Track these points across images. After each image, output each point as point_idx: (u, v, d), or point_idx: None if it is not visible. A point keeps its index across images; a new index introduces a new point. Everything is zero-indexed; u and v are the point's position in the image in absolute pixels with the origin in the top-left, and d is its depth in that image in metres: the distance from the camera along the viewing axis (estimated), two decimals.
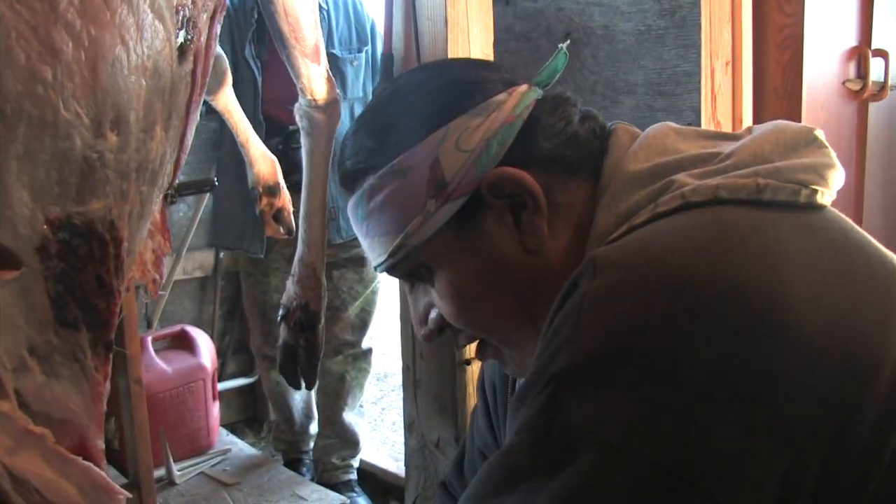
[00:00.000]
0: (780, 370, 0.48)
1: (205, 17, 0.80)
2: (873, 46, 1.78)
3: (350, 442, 2.43)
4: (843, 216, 0.61)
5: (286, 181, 1.63)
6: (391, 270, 0.69)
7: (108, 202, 0.68)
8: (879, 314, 0.53)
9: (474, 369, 1.28)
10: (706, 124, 1.38)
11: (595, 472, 0.47)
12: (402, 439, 1.42)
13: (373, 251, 0.69)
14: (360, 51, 2.28)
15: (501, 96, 0.65)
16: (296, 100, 1.25)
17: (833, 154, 0.61)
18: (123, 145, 0.68)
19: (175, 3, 0.73)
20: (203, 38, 0.80)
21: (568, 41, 0.73)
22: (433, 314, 0.70)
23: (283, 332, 1.33)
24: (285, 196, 1.60)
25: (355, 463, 2.47)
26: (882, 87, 1.79)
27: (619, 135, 0.67)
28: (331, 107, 1.25)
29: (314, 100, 1.21)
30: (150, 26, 0.70)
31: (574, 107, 0.68)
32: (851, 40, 1.78)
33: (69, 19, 0.62)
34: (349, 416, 2.43)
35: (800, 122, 1.50)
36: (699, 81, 1.36)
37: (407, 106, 0.66)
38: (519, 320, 0.66)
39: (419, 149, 0.63)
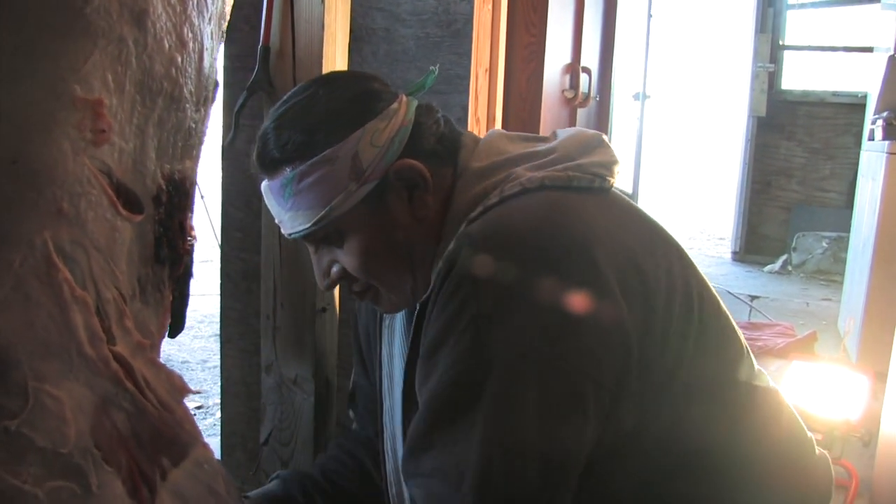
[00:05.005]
0: (602, 281, 0.74)
1: None
2: (582, 64, 2.27)
3: None
4: (624, 195, 0.95)
5: None
6: (308, 237, 0.87)
7: (193, 162, 0.85)
8: (661, 249, 0.83)
9: (329, 316, 1.52)
10: (471, 120, 1.59)
11: (511, 375, 0.71)
12: None
13: (295, 221, 0.85)
14: None
15: (395, 105, 0.85)
16: None
17: (615, 151, 0.89)
18: (205, 118, 0.86)
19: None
20: None
21: (438, 65, 1.01)
22: (335, 269, 0.89)
23: None
24: None
25: None
26: (587, 96, 2.32)
27: (465, 137, 0.90)
28: None
29: None
30: (219, 21, 0.88)
31: (438, 112, 0.89)
32: (567, 58, 2.23)
33: (193, 19, 0.79)
34: None
35: (538, 121, 1.88)
36: (468, 85, 1.53)
37: (329, 110, 0.84)
38: (403, 268, 0.88)
39: (344, 144, 0.82)
